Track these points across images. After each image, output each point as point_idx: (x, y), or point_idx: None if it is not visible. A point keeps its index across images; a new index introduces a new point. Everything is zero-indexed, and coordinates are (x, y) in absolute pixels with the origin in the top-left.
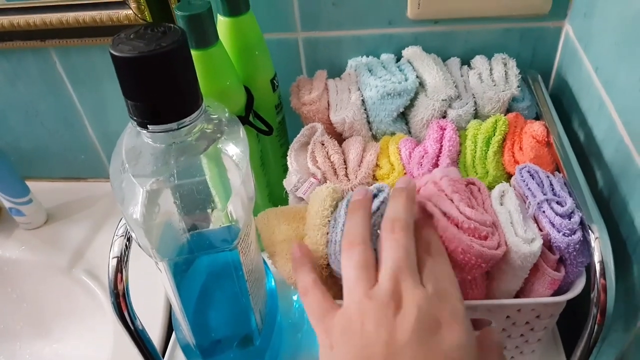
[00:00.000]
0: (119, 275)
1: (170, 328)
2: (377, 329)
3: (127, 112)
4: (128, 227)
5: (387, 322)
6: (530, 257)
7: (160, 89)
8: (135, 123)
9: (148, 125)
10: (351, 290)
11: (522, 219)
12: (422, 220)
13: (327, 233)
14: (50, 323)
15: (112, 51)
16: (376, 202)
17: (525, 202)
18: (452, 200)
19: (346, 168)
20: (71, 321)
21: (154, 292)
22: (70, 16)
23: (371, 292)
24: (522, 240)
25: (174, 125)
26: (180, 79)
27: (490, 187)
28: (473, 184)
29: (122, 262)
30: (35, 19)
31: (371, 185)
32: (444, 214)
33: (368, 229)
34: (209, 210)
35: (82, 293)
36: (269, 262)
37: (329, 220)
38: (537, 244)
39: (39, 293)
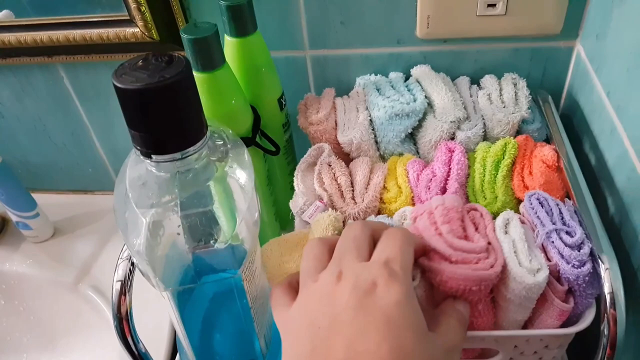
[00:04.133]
0: (123, 298)
1: (175, 349)
2: (319, 304)
3: (131, 141)
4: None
5: (327, 295)
6: (535, 288)
7: (163, 120)
8: (139, 152)
9: (152, 155)
10: (303, 280)
11: (527, 248)
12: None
13: None
14: (56, 337)
15: (115, 82)
16: None
17: (534, 231)
18: (440, 234)
19: (353, 191)
20: (77, 336)
21: (160, 312)
22: (77, 34)
23: (317, 276)
24: (526, 270)
25: (177, 155)
26: (184, 109)
27: (499, 213)
28: (475, 209)
29: (125, 285)
30: (42, 36)
31: (377, 209)
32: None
33: (332, 246)
34: (213, 239)
35: (88, 309)
36: None
37: None
38: (543, 274)
39: (46, 307)
